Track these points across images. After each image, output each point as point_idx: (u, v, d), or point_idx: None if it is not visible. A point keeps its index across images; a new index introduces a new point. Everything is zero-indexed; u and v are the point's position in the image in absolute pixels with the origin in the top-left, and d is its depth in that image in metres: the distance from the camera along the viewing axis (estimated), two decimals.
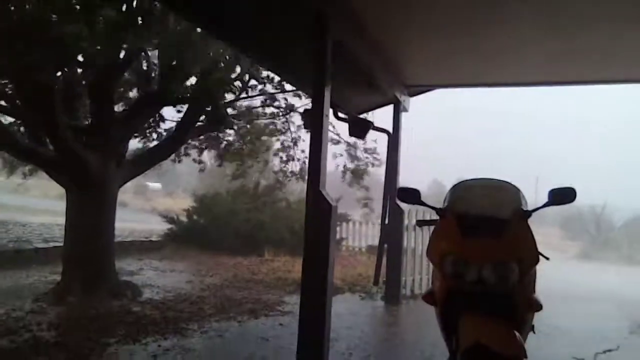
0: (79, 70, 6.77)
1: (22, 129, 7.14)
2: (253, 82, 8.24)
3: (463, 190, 2.97)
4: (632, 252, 21.01)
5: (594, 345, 5.15)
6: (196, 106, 7.31)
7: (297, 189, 14.40)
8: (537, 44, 5.37)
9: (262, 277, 8.61)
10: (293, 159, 10.49)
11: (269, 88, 8.61)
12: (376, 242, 7.40)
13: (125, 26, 5.52)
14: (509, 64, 6.17)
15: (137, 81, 7.45)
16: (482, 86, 7.66)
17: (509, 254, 2.57)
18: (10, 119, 7.16)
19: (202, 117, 7.78)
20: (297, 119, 9.97)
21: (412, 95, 7.55)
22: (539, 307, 2.74)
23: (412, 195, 3.08)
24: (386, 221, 7.17)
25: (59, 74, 6.19)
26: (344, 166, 10.82)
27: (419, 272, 7.70)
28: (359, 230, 13.93)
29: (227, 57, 7.24)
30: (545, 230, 26.78)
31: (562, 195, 2.75)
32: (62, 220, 6.61)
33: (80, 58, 6.23)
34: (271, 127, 10.23)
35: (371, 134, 7.59)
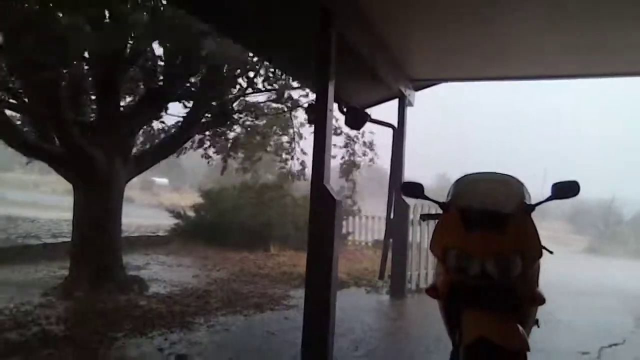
0: (85, 66, 6.80)
1: (28, 125, 7.19)
2: (259, 78, 8.26)
3: (466, 184, 2.96)
4: (639, 246, 20.88)
5: (599, 339, 5.15)
6: (202, 102, 7.33)
7: (303, 184, 14.42)
8: (541, 38, 5.35)
9: (268, 271, 8.65)
10: (292, 158, 10.54)
11: (275, 85, 8.62)
12: (382, 236, 7.42)
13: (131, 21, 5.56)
14: (514, 57, 6.15)
15: (142, 77, 7.48)
16: (488, 80, 7.64)
17: (512, 247, 2.56)
18: (17, 115, 7.23)
19: (208, 113, 7.81)
20: (301, 116, 10.00)
21: (417, 89, 7.54)
22: (542, 301, 2.73)
23: (415, 190, 3.08)
24: (391, 215, 7.18)
25: (65, 70, 6.22)
26: (342, 158, 10.84)
27: (424, 267, 7.72)
28: (365, 225, 13.94)
29: (233, 52, 7.26)
30: (552, 224, 26.72)
31: (566, 189, 2.74)
32: (70, 215, 6.67)
33: (86, 54, 6.27)
34: (277, 122, 10.25)
35: (377, 128, 7.60)
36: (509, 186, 2.87)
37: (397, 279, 7.09)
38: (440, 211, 2.95)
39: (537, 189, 2.93)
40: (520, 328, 2.49)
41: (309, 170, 8.27)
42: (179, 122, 7.97)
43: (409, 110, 7.29)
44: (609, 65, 6.20)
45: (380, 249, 7.68)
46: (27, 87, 6.18)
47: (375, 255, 10.12)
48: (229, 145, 9.68)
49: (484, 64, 6.52)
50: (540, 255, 2.68)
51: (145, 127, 8.23)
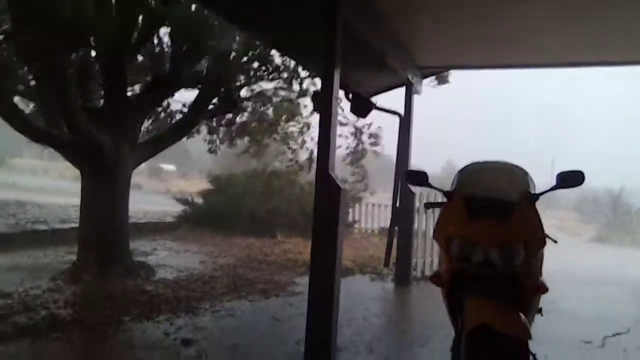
0: (92, 53, 6.81)
1: (36, 112, 7.23)
2: (267, 65, 8.22)
3: (470, 172, 2.96)
4: None
5: (603, 328, 5.15)
6: (209, 88, 7.33)
7: (311, 172, 14.41)
8: (552, 25, 5.28)
9: (274, 258, 8.70)
10: (302, 147, 10.53)
11: (283, 73, 8.59)
12: (388, 224, 7.43)
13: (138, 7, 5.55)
14: (522, 45, 6.08)
15: (150, 63, 7.48)
16: (496, 68, 7.58)
17: (515, 236, 2.57)
18: (25, 102, 7.26)
19: (215, 100, 7.81)
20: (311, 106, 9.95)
21: (424, 77, 7.49)
22: (545, 290, 2.74)
23: (419, 178, 3.08)
24: (397, 204, 7.18)
25: (73, 56, 6.24)
26: (347, 147, 10.82)
27: (429, 254, 7.73)
28: (371, 212, 13.96)
29: (240, 38, 7.24)
30: (560, 213, 26.61)
31: (571, 179, 2.73)
32: (78, 201, 6.73)
33: (92, 41, 6.27)
34: (285, 111, 10.22)
35: (386, 118, 7.57)
36: (513, 175, 2.87)
37: (403, 267, 7.11)
38: (444, 200, 2.95)
39: (547, 179, 2.91)
40: (523, 316, 2.50)
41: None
42: (186, 108, 7.98)
43: (417, 98, 7.26)
44: (623, 53, 6.11)
45: (386, 236, 7.69)
46: (35, 73, 6.20)
47: (381, 242, 10.13)
48: (236, 131, 9.67)
49: (492, 52, 6.45)
50: (544, 244, 2.68)
51: (152, 113, 8.24)
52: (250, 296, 5.93)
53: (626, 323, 5.41)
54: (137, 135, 7.22)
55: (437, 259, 7.35)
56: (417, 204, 7.33)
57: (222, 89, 7.51)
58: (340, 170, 12.71)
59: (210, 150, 9.94)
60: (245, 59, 7.58)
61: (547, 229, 2.71)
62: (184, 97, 8.09)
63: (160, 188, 26.76)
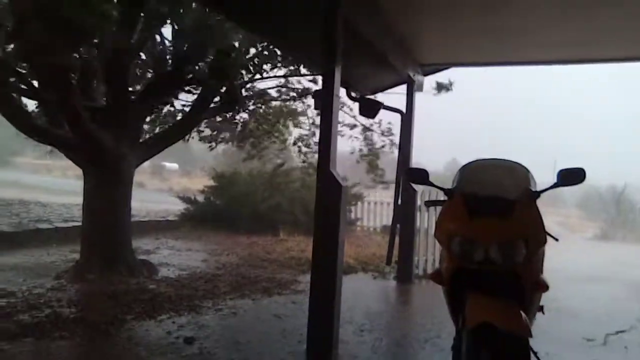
0: (95, 51, 6.82)
1: (38, 111, 7.25)
2: (268, 64, 8.23)
3: (471, 170, 2.96)
4: None
5: (605, 326, 5.14)
6: (210, 87, 7.34)
7: (312, 170, 14.42)
8: (554, 22, 5.27)
9: (277, 256, 8.70)
10: (307, 145, 10.53)
11: (285, 71, 8.60)
12: (391, 222, 7.43)
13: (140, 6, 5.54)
14: (523, 42, 6.06)
15: (151, 62, 7.48)
16: (498, 65, 7.55)
17: (516, 233, 2.57)
18: (28, 101, 7.28)
19: (217, 98, 7.82)
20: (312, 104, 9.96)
21: (426, 74, 7.47)
22: (546, 287, 2.74)
23: (420, 176, 3.08)
24: (399, 201, 7.19)
25: (75, 55, 6.24)
26: (360, 150, 10.81)
27: (431, 252, 7.73)
28: (373, 210, 13.96)
29: (241, 37, 7.24)
30: (564, 210, 26.57)
31: (572, 176, 2.72)
32: (80, 200, 6.75)
33: (95, 39, 6.28)
34: (286, 109, 10.23)
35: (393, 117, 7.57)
36: (514, 173, 2.87)
37: (404, 265, 7.12)
38: (445, 197, 2.95)
39: (549, 177, 2.90)
40: (523, 314, 2.50)
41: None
42: (188, 107, 7.99)
43: (420, 96, 7.26)
44: (625, 50, 6.10)
45: (388, 234, 7.70)
46: (37, 72, 6.20)
47: (383, 240, 10.13)
48: (238, 130, 9.69)
49: (493, 49, 6.44)
50: (545, 242, 2.67)
51: (154, 112, 8.25)
52: (253, 294, 5.94)
53: (629, 321, 5.40)
54: (139, 134, 7.24)
55: (439, 256, 7.40)
56: (419, 201, 7.33)
57: (224, 88, 7.51)
58: (351, 169, 12.76)
59: (211, 149, 9.97)
60: (247, 57, 7.58)
61: (551, 226, 2.71)
62: (186, 96, 8.11)
63: (162, 186, 26.84)
